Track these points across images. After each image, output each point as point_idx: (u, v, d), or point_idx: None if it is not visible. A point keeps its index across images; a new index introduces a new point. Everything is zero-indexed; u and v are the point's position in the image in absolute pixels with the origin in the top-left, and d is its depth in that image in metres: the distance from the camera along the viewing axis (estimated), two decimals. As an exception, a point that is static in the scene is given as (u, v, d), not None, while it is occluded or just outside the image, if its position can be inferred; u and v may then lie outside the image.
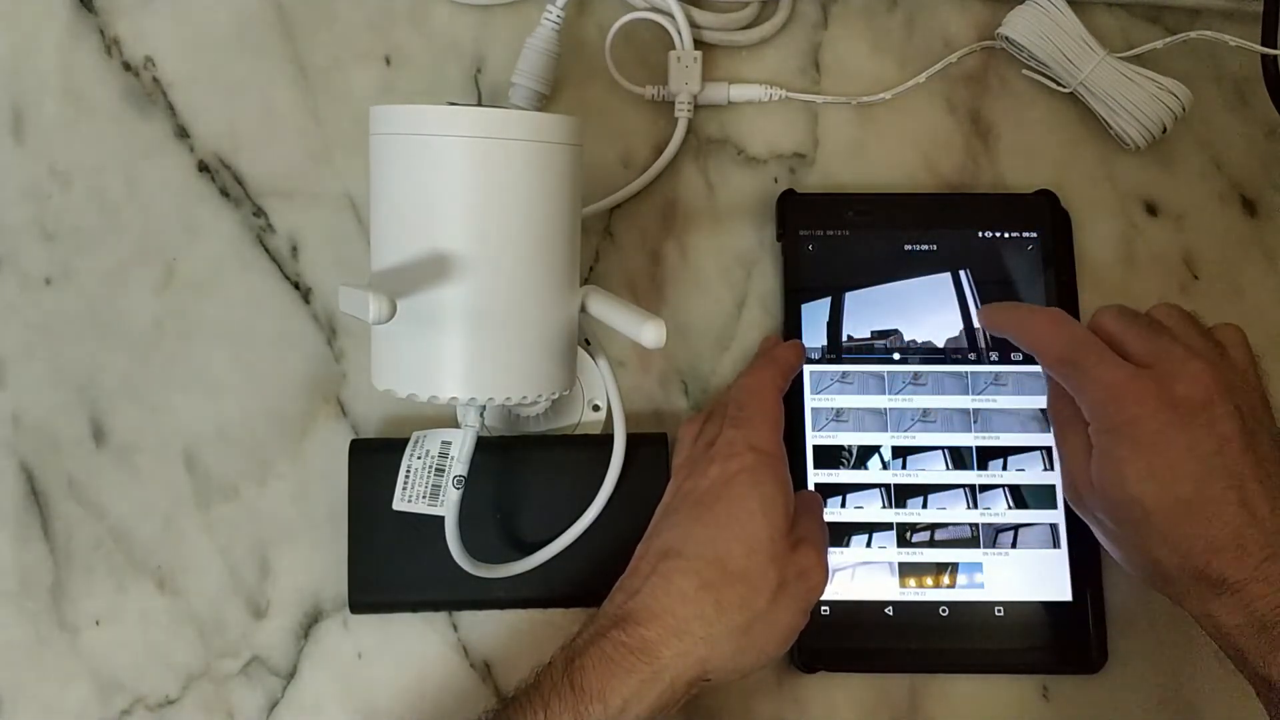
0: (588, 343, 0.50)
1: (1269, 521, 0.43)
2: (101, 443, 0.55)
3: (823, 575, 0.47)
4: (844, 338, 0.55)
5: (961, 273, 0.56)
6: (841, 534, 0.53)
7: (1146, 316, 0.48)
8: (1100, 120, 0.58)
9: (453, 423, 0.53)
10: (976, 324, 0.55)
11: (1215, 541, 0.43)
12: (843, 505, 0.54)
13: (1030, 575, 0.53)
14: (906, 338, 0.55)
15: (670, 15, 0.58)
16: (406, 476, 0.50)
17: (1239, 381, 0.45)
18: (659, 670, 0.43)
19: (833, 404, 0.55)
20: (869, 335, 0.55)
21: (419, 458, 0.50)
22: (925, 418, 0.54)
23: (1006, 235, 0.56)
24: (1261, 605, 0.42)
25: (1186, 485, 0.43)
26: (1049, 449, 0.54)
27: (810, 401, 0.55)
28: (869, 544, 0.53)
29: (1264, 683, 0.42)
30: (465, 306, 0.44)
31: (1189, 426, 0.43)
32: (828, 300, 0.56)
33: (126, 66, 0.59)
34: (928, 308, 0.55)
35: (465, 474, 0.48)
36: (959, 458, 0.54)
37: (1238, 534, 0.42)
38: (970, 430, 0.54)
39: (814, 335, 0.55)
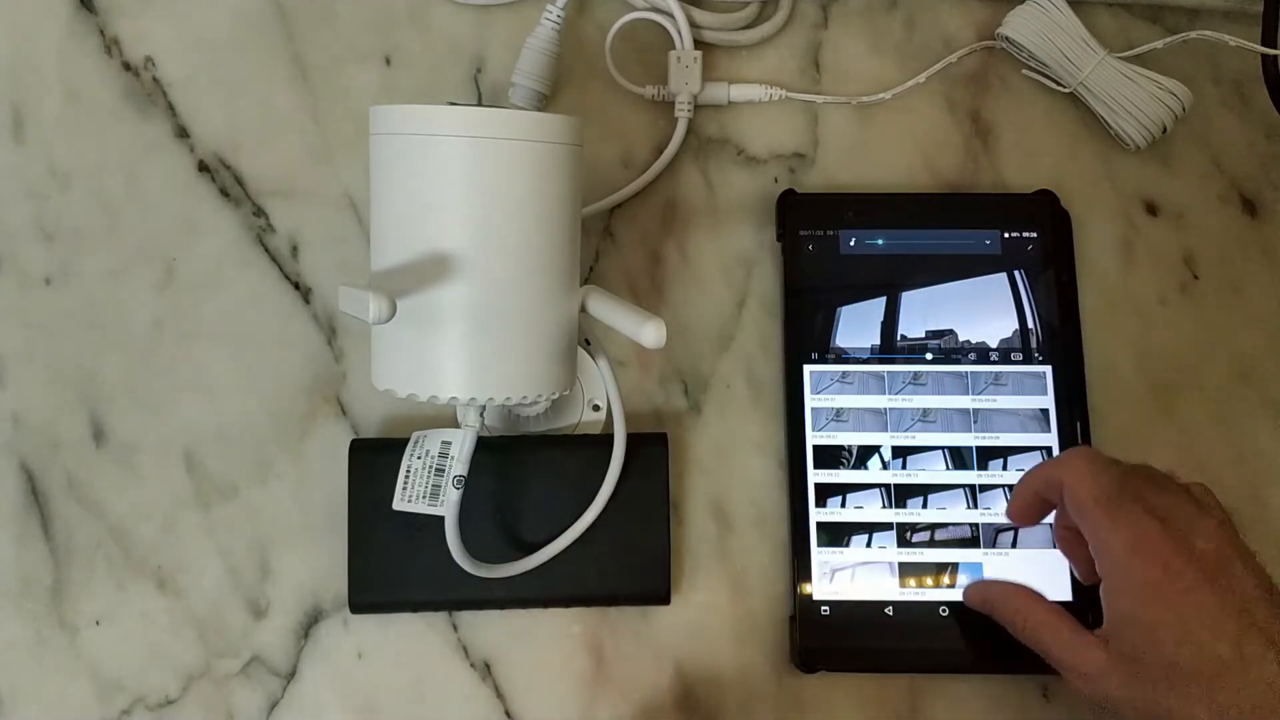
0: (588, 343, 0.50)
1: None
2: (101, 443, 0.55)
3: None
4: (898, 337, 0.55)
5: (1017, 273, 0.56)
6: (841, 534, 0.53)
7: (1142, 467, 0.46)
8: (1100, 120, 0.58)
9: (453, 423, 0.53)
10: (1030, 325, 0.55)
11: (1262, 703, 0.40)
12: (843, 505, 0.54)
13: (1030, 575, 0.53)
14: (961, 338, 0.55)
15: (670, 15, 0.58)
16: (406, 476, 0.50)
17: (1241, 540, 0.44)
18: None
19: (833, 404, 0.55)
20: (923, 335, 0.55)
21: (419, 458, 0.50)
22: (925, 418, 0.54)
23: (1006, 235, 0.56)
24: None
25: (1224, 646, 0.41)
26: (1049, 449, 0.54)
27: (810, 401, 0.55)
28: (869, 544, 0.53)
29: None
30: (465, 306, 0.44)
31: (1214, 585, 0.42)
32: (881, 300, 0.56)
33: (126, 66, 0.59)
34: (982, 309, 0.56)
35: (465, 474, 0.48)
36: (959, 458, 0.54)
37: None
38: (970, 430, 0.54)
39: (863, 335, 0.55)
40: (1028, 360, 0.55)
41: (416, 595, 0.52)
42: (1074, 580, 0.52)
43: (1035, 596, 0.47)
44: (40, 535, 0.55)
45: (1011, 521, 0.51)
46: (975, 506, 0.54)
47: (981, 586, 0.50)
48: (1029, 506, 0.49)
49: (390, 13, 0.60)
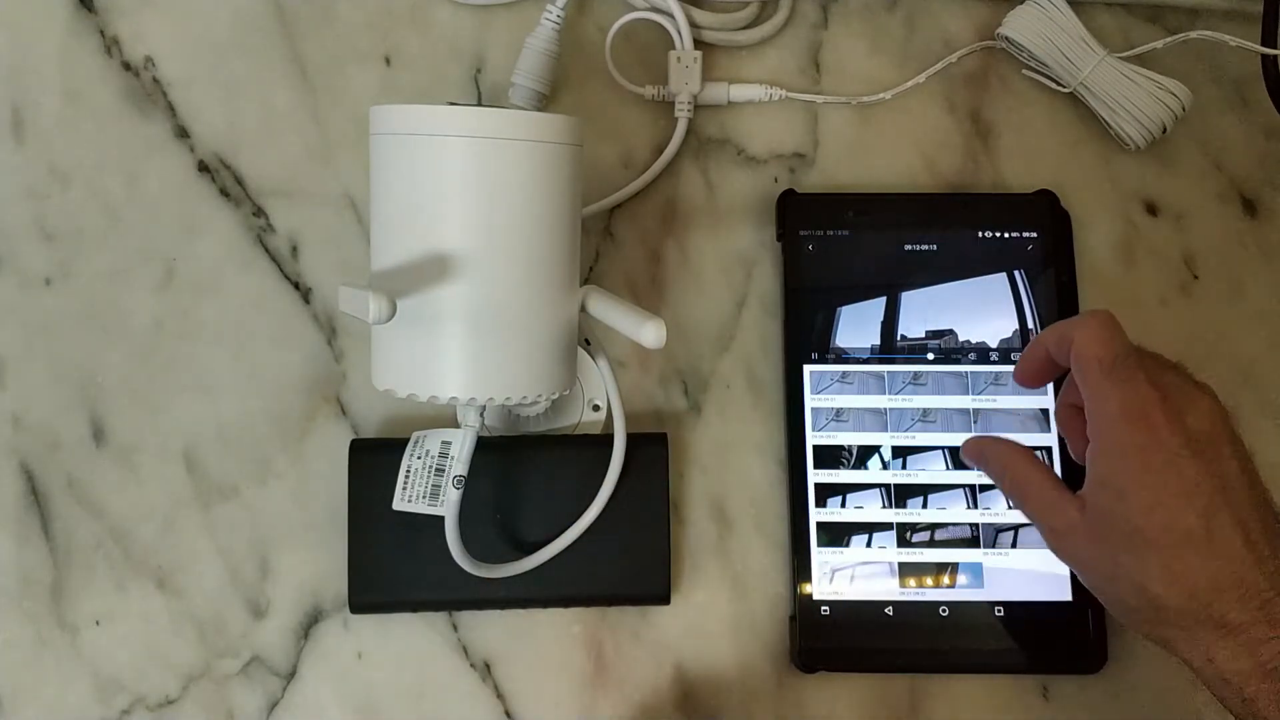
0: (588, 343, 0.50)
1: (1270, 564, 0.41)
2: (101, 443, 0.55)
3: None
4: (898, 337, 0.55)
5: (1016, 273, 0.56)
6: (841, 534, 0.53)
7: (1153, 352, 0.46)
8: (1100, 120, 0.58)
9: (453, 423, 0.53)
10: (1030, 325, 0.55)
11: (1219, 579, 0.41)
12: (843, 505, 0.54)
13: (1030, 575, 0.53)
14: (961, 338, 0.55)
15: (670, 15, 0.58)
16: (406, 476, 0.50)
17: (1234, 427, 0.44)
18: None
19: (833, 404, 0.55)
20: (923, 335, 0.55)
21: (419, 458, 0.50)
22: (925, 418, 0.54)
23: (1006, 235, 0.56)
24: (1267, 650, 0.40)
25: (1192, 518, 0.41)
26: (1049, 449, 0.54)
27: (810, 401, 0.55)
28: (869, 544, 0.53)
29: None
30: (465, 306, 0.44)
31: (1198, 459, 0.42)
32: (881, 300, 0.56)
33: (126, 66, 0.59)
34: (983, 308, 0.56)
35: (465, 474, 0.48)
36: (959, 458, 0.54)
37: (1241, 574, 0.41)
38: (970, 430, 0.54)
39: (863, 335, 0.55)
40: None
41: (416, 595, 0.52)
42: (1074, 580, 0.52)
43: (1025, 453, 0.47)
44: (40, 535, 0.55)
45: (1018, 383, 0.50)
46: (975, 506, 0.54)
47: (977, 440, 0.49)
48: (1037, 365, 0.48)
49: (390, 13, 0.60)
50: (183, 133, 0.59)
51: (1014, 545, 0.53)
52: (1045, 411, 0.54)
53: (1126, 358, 0.44)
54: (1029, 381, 0.49)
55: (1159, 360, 0.46)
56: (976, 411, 0.54)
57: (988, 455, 0.48)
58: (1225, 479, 0.42)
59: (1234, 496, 0.42)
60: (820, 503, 0.54)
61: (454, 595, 0.52)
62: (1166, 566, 0.41)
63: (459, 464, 0.48)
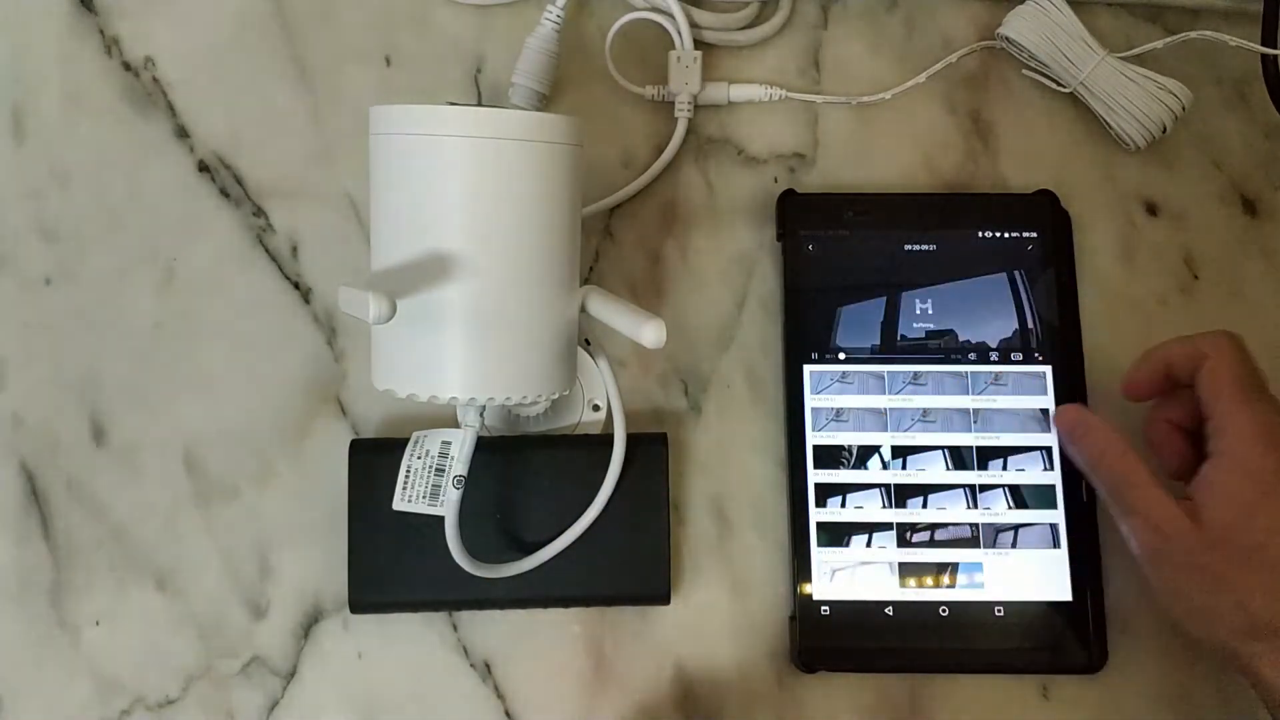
0: (588, 343, 0.50)
1: None
2: (101, 443, 0.55)
3: None
4: (898, 337, 0.55)
5: (1016, 273, 0.56)
6: (841, 534, 0.53)
7: None
8: (1100, 120, 0.58)
9: (453, 423, 0.53)
10: (1030, 325, 0.55)
11: None
12: (843, 505, 0.54)
13: (1030, 575, 0.53)
14: (961, 338, 0.55)
15: (670, 15, 0.58)
16: (406, 476, 0.50)
17: None
18: None
19: (833, 404, 0.55)
20: (923, 335, 0.55)
21: (419, 458, 0.50)
22: (925, 417, 0.54)
23: (1006, 235, 0.56)
24: None
25: None
26: (1049, 449, 0.54)
27: (810, 401, 0.55)
28: (869, 544, 0.53)
29: None
30: (465, 306, 0.44)
31: None
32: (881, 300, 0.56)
33: (126, 66, 0.59)
34: (984, 309, 0.56)
35: (465, 474, 0.48)
36: (959, 458, 0.54)
37: None
38: (970, 430, 0.54)
39: (862, 335, 0.55)
40: (1028, 360, 0.55)
41: (416, 595, 0.52)
42: (1074, 580, 0.52)
43: (1128, 444, 0.47)
44: (40, 535, 0.55)
45: (1124, 393, 0.50)
46: (975, 506, 0.54)
47: (1077, 414, 0.50)
48: (1153, 378, 0.49)
49: (390, 13, 0.60)
50: (183, 133, 0.59)
51: (1014, 545, 0.53)
52: (1045, 411, 0.54)
53: (1258, 381, 0.45)
54: (1140, 395, 0.50)
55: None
56: (976, 411, 0.54)
57: (1080, 436, 0.48)
58: None
59: None
60: (820, 503, 0.54)
61: (454, 595, 0.52)
62: (1276, 587, 0.43)
63: (459, 464, 0.48)
